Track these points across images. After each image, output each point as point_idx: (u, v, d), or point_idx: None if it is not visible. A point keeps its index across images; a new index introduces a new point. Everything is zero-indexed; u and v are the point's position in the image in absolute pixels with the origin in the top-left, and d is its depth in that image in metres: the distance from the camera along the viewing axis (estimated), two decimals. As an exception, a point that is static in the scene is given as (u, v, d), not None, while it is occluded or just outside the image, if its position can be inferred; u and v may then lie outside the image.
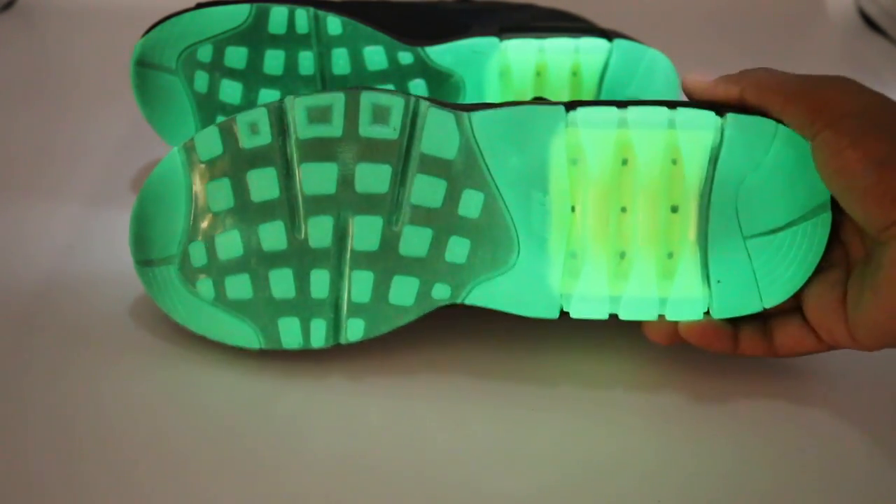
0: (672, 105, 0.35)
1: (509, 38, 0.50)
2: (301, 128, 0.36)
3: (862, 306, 0.33)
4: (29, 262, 0.45)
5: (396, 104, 0.36)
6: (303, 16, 0.47)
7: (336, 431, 0.35)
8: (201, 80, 0.47)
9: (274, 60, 0.47)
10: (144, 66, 0.48)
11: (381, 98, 0.36)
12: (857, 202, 0.32)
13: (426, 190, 0.36)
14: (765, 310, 0.36)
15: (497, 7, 0.53)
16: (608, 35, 0.51)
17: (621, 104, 0.35)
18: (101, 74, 0.68)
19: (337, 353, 0.38)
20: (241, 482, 0.33)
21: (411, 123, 0.36)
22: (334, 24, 0.47)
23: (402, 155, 0.36)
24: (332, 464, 0.34)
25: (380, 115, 0.36)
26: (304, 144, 0.36)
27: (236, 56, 0.47)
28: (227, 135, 0.36)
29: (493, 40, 0.49)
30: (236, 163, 0.36)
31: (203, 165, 0.36)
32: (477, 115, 0.36)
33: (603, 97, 0.50)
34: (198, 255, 0.36)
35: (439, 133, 0.36)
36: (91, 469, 0.33)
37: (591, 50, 0.50)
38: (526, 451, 0.34)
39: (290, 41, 0.47)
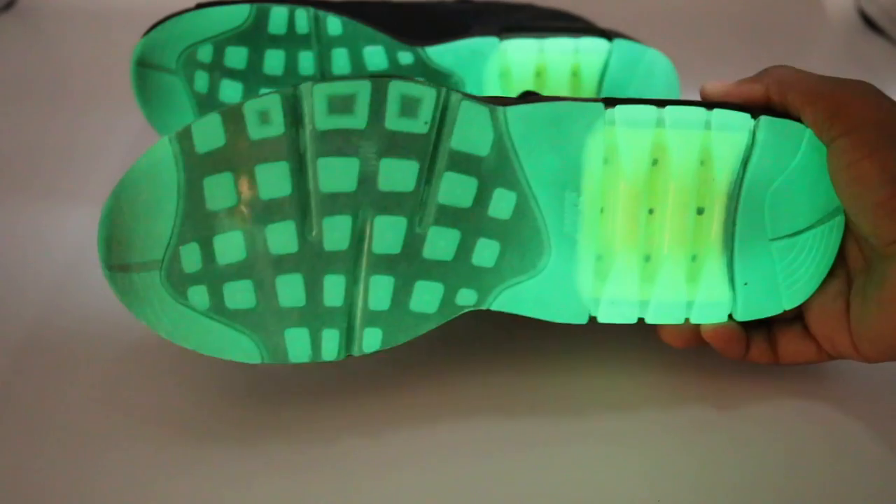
0: (709, 106, 0.35)
1: (509, 38, 0.50)
2: (319, 118, 0.32)
3: (866, 320, 0.33)
4: (29, 262, 0.45)
5: (427, 95, 0.33)
6: (303, 16, 0.47)
7: (354, 453, 0.35)
8: (201, 80, 0.47)
9: (274, 60, 0.47)
10: (145, 67, 0.48)
11: (410, 88, 0.33)
12: (867, 213, 0.32)
13: (455, 189, 0.33)
14: (770, 317, 0.36)
15: (497, 7, 0.53)
16: (608, 35, 0.51)
17: (660, 103, 0.34)
18: (101, 75, 0.68)
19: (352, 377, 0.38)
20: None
21: (441, 117, 0.33)
22: (334, 24, 0.47)
23: (430, 150, 0.33)
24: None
25: (409, 106, 0.33)
26: (321, 136, 0.32)
27: (236, 56, 0.47)
28: (232, 123, 0.32)
29: (493, 40, 0.49)
30: (242, 155, 0.32)
31: (200, 157, 0.32)
32: (512, 110, 0.33)
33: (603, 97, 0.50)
34: (190, 259, 0.32)
35: (471, 128, 0.33)
36: (100, 470, 0.33)
37: (590, 50, 0.50)
38: (548, 477, 0.34)
39: (291, 41, 0.47)
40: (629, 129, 0.34)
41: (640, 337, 0.40)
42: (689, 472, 0.34)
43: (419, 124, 0.33)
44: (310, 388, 0.37)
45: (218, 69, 0.47)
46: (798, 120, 0.35)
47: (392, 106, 0.33)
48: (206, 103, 0.48)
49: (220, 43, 0.47)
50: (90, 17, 0.82)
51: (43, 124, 0.60)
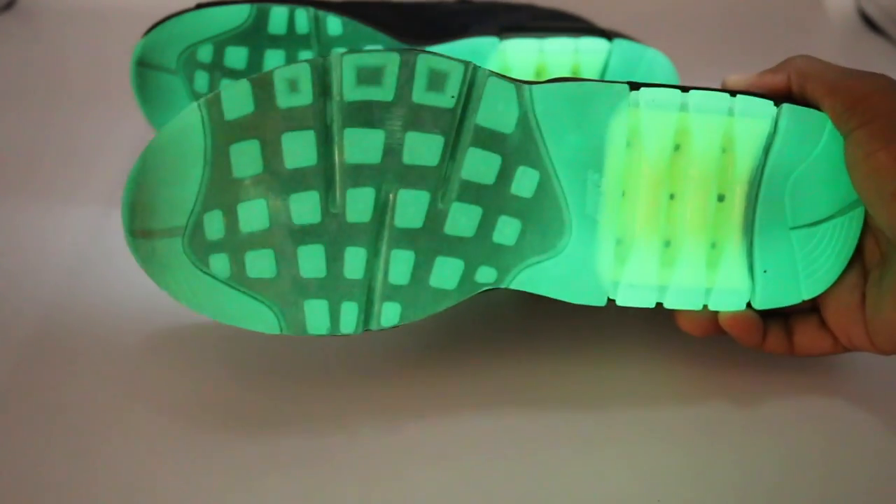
0: (733, 93, 0.35)
1: (509, 38, 0.50)
2: (347, 88, 0.32)
3: (881, 313, 0.33)
4: (29, 262, 0.45)
5: (455, 70, 0.33)
6: (303, 16, 0.47)
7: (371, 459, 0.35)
8: (201, 80, 0.47)
9: (274, 60, 0.47)
10: (145, 66, 0.48)
11: (439, 63, 0.33)
12: (883, 205, 0.32)
13: (479, 165, 0.33)
14: (788, 308, 0.36)
15: (497, 7, 0.53)
16: (608, 35, 0.51)
17: (684, 87, 0.34)
18: (101, 75, 0.68)
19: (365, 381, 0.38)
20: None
21: (468, 92, 0.33)
22: (334, 24, 0.47)
23: (456, 126, 0.33)
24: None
25: (436, 80, 0.33)
26: (349, 107, 0.33)
27: (236, 56, 0.47)
28: (261, 91, 0.32)
29: (493, 40, 0.49)
30: (269, 123, 0.32)
31: (228, 124, 0.32)
32: (538, 89, 0.34)
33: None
34: (213, 226, 0.33)
35: (497, 105, 0.33)
36: (103, 467, 0.33)
37: (590, 50, 0.50)
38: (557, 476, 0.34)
39: (291, 41, 0.47)
40: (653, 112, 0.34)
41: (656, 332, 0.40)
42: (691, 471, 0.34)
43: (446, 98, 0.33)
44: (325, 378, 0.37)
45: (218, 69, 0.47)
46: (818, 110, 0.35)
47: (420, 79, 0.33)
48: (206, 103, 0.48)
49: (220, 43, 0.47)
50: (90, 17, 0.82)
51: (43, 124, 0.60)
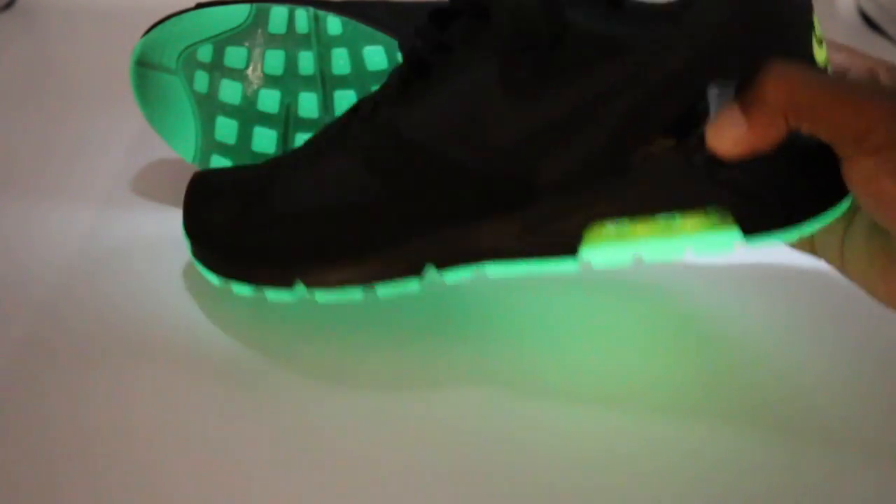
0: None
1: (509, 38, 0.50)
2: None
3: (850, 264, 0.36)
4: (28, 261, 0.45)
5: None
6: (303, 16, 0.47)
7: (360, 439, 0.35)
8: (201, 80, 0.47)
9: (274, 60, 0.47)
10: (144, 66, 0.48)
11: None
12: (886, 223, 0.32)
13: None
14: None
15: (497, 7, 0.53)
16: (608, 35, 0.51)
17: None
18: (101, 74, 0.68)
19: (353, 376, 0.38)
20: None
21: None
22: (334, 24, 0.47)
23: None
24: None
25: None
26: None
27: (236, 56, 0.47)
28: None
29: (493, 40, 0.49)
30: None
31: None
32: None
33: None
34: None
35: None
36: (106, 465, 0.33)
37: (590, 50, 0.50)
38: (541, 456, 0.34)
39: (290, 41, 0.47)
40: None
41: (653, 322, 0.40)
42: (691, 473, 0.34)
43: None
44: (325, 381, 0.37)
45: (218, 69, 0.47)
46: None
47: None
48: (206, 103, 0.48)
49: (220, 43, 0.47)
50: (90, 16, 0.82)
51: (42, 124, 0.60)
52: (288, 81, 0.47)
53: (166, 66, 0.48)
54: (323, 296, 0.37)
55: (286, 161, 0.40)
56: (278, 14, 0.47)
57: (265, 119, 0.48)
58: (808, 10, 0.33)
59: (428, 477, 0.33)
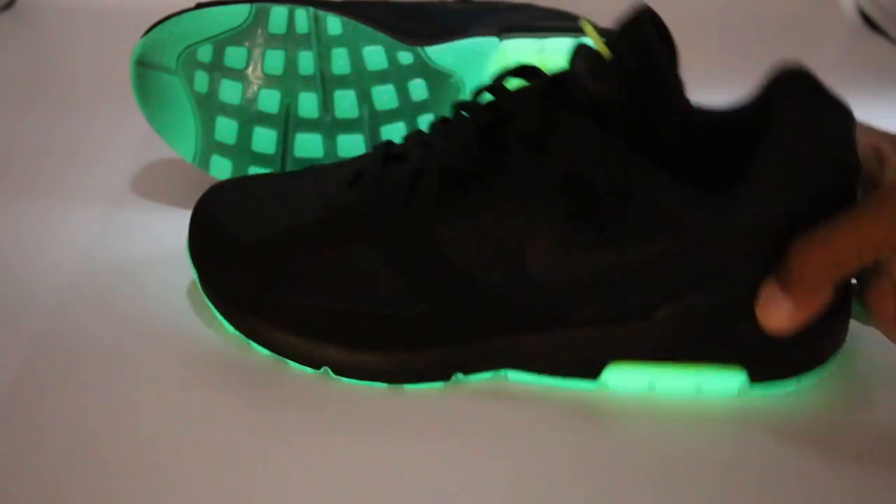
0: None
1: (509, 38, 0.50)
2: None
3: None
4: (29, 263, 0.45)
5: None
6: (302, 16, 0.47)
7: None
8: (201, 80, 0.47)
9: (274, 60, 0.47)
10: (144, 66, 0.48)
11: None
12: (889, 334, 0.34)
13: None
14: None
15: (497, 7, 0.53)
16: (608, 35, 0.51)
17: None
18: (101, 74, 0.68)
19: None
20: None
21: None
22: (334, 23, 0.47)
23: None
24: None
25: None
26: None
27: (236, 56, 0.47)
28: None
29: (493, 40, 0.49)
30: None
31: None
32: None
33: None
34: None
35: None
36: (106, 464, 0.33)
37: (590, 50, 0.50)
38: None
39: (290, 41, 0.47)
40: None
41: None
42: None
43: None
44: (320, 384, 0.37)
45: (218, 69, 0.47)
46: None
47: None
48: (206, 103, 0.48)
49: (220, 42, 0.47)
50: (90, 17, 0.82)
51: (42, 124, 0.60)
52: (288, 81, 0.47)
53: (166, 66, 0.48)
54: (348, 381, 0.37)
55: (307, 232, 0.37)
56: (278, 14, 0.47)
57: (265, 119, 0.48)
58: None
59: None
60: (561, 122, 0.33)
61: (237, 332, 0.38)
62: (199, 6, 0.47)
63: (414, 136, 0.39)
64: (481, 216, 0.35)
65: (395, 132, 0.49)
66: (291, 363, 0.37)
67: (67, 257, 0.45)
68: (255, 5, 0.47)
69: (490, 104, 0.36)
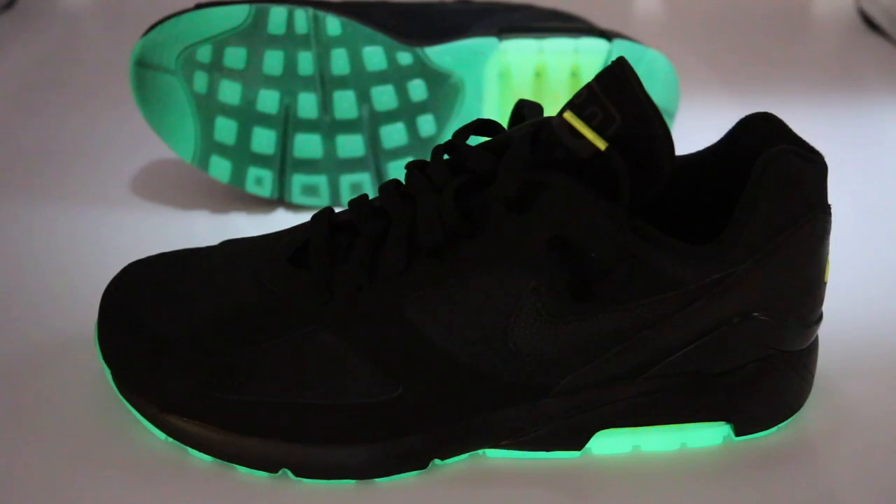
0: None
1: (509, 38, 0.50)
2: None
3: None
4: (29, 262, 0.45)
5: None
6: (302, 16, 0.47)
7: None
8: (201, 81, 0.47)
9: (273, 61, 0.47)
10: (144, 67, 0.48)
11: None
12: None
13: None
14: None
15: (496, 7, 0.53)
16: (608, 35, 0.51)
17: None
18: (100, 74, 0.68)
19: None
20: None
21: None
22: (333, 24, 0.47)
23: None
24: None
25: None
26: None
27: (236, 56, 0.47)
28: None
29: (493, 41, 0.49)
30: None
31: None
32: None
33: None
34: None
35: None
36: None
37: (590, 50, 0.50)
38: None
39: (290, 41, 0.47)
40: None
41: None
42: None
43: None
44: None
45: (217, 69, 0.47)
46: None
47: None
48: (205, 103, 0.48)
49: (220, 43, 0.47)
50: (90, 16, 0.82)
51: (42, 124, 0.60)
52: (287, 82, 0.47)
53: (165, 66, 0.48)
54: (311, 482, 0.32)
55: (249, 320, 0.32)
56: (278, 14, 0.47)
57: (264, 119, 0.48)
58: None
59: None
60: (546, 182, 0.30)
61: (169, 439, 0.33)
62: (198, 6, 0.47)
63: (360, 202, 0.34)
64: (458, 287, 0.31)
65: (394, 132, 0.49)
66: (240, 468, 0.32)
67: (65, 255, 0.45)
68: (254, 6, 0.47)
69: (455, 164, 0.32)
